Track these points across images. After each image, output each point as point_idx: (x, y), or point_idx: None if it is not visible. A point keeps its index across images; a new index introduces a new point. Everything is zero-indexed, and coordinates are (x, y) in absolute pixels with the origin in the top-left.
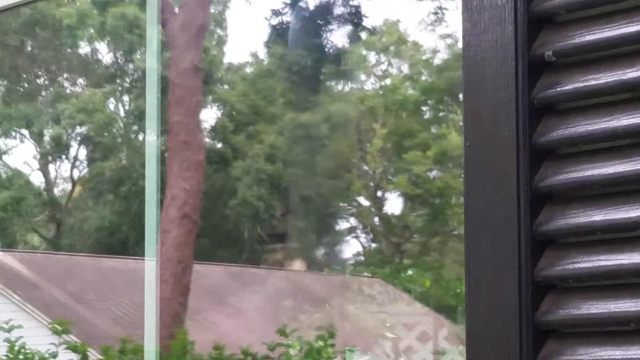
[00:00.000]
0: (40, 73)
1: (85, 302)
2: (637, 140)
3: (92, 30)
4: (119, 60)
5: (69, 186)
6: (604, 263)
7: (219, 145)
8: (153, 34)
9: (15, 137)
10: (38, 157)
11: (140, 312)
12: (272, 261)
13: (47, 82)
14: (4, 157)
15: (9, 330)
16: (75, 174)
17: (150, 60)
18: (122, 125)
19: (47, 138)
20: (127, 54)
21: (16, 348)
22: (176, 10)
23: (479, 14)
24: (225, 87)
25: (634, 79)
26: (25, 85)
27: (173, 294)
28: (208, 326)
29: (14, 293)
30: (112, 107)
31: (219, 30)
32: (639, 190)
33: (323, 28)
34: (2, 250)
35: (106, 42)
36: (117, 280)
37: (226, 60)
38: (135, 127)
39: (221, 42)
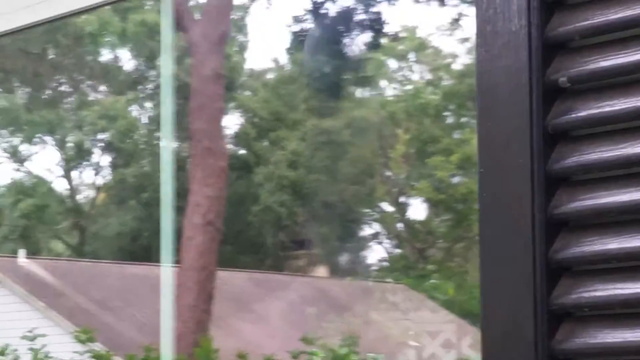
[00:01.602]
0: (62, 80)
1: (109, 309)
2: None
3: (113, 37)
4: (140, 67)
5: (92, 193)
6: (619, 292)
7: (242, 151)
8: (168, 42)
9: (38, 144)
10: (62, 163)
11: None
12: (295, 267)
13: (69, 89)
14: (27, 164)
15: (32, 339)
16: (99, 180)
17: (165, 68)
18: (143, 131)
19: (69, 144)
20: (148, 60)
21: (40, 356)
22: (197, 17)
23: (492, 39)
24: (247, 93)
25: None
26: (48, 92)
27: (197, 301)
28: (232, 333)
29: (39, 300)
30: (134, 113)
31: (240, 37)
32: None
33: (344, 34)
34: (27, 258)
35: (127, 48)
36: (141, 287)
37: (248, 66)
38: (157, 134)
39: (243, 48)
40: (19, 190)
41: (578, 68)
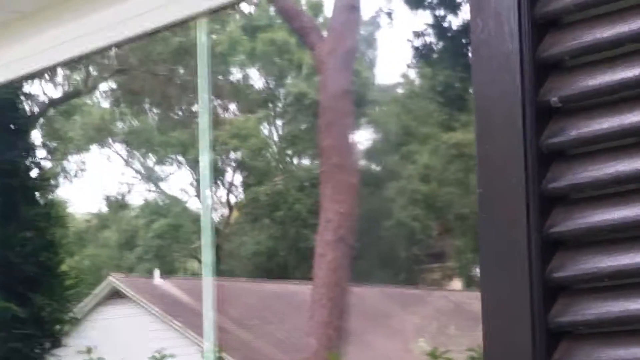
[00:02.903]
0: (192, 100)
1: (247, 326)
2: None
3: (243, 56)
4: (270, 85)
5: (225, 212)
6: (612, 309)
7: (373, 166)
8: (204, 70)
9: (171, 164)
10: (194, 183)
11: (301, 335)
12: (429, 281)
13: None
14: (161, 184)
15: (160, 359)
16: (232, 199)
17: (201, 82)
18: (275, 149)
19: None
20: (277, 78)
21: None
22: (324, 34)
23: (487, 62)
24: (378, 108)
25: (636, 123)
26: (179, 112)
27: (330, 317)
28: (367, 348)
29: (174, 319)
30: (265, 132)
31: (369, 52)
32: None
33: (468, 47)
34: (162, 277)
35: (257, 67)
36: (278, 304)
37: (377, 81)
38: (289, 152)
39: (372, 63)
40: (152, 210)
41: (568, 88)
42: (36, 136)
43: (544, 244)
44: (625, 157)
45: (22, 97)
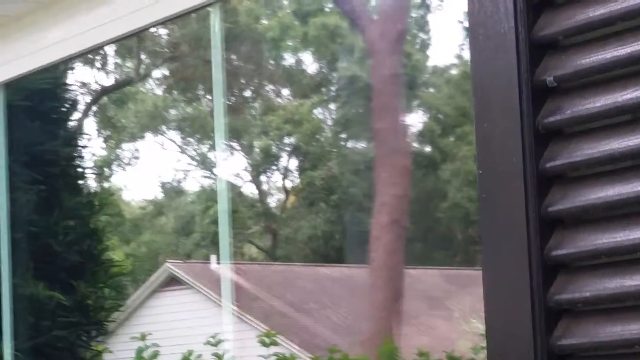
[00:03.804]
0: (244, 86)
1: (304, 310)
2: (636, 163)
3: (294, 42)
4: (323, 70)
5: (281, 196)
6: (608, 286)
7: (427, 149)
8: (218, 53)
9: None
10: (249, 169)
11: (358, 319)
12: None
13: (252, 95)
14: (215, 170)
15: (216, 344)
16: (288, 184)
17: (216, 71)
18: (331, 133)
19: (256, 149)
20: (330, 62)
21: None
22: (374, 17)
23: (484, 42)
24: (431, 90)
25: (628, 101)
26: (232, 99)
27: (386, 300)
28: (424, 331)
29: (233, 304)
30: (318, 116)
31: (421, 34)
32: (638, 213)
33: None
34: (218, 263)
35: (309, 52)
36: (334, 288)
37: (430, 63)
38: (343, 135)
39: (424, 45)
40: (208, 196)
41: (563, 67)
42: (81, 124)
43: (543, 222)
44: (619, 134)
45: (65, 86)
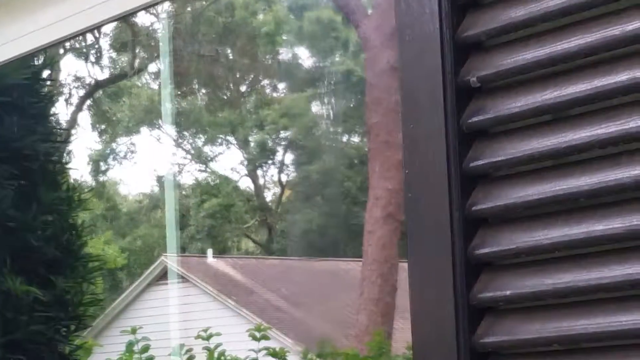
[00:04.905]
0: (239, 81)
1: (299, 304)
2: (556, 162)
3: (288, 36)
4: (319, 64)
5: (277, 190)
6: (527, 284)
7: None
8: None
9: (221, 144)
10: (245, 163)
11: (352, 312)
12: None
13: (248, 89)
14: (211, 165)
15: (207, 338)
16: (284, 178)
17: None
18: (326, 128)
19: (252, 144)
20: (325, 57)
21: (216, 355)
22: (369, 11)
23: (411, 43)
24: None
25: (547, 101)
26: (227, 93)
27: (381, 294)
28: None
29: (229, 298)
30: (314, 110)
31: None
32: (557, 212)
33: None
34: (214, 257)
35: (304, 46)
36: (329, 282)
37: None
38: (339, 129)
39: None
40: (203, 190)
41: (486, 68)
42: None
43: (467, 221)
44: (539, 134)
45: (44, 81)
